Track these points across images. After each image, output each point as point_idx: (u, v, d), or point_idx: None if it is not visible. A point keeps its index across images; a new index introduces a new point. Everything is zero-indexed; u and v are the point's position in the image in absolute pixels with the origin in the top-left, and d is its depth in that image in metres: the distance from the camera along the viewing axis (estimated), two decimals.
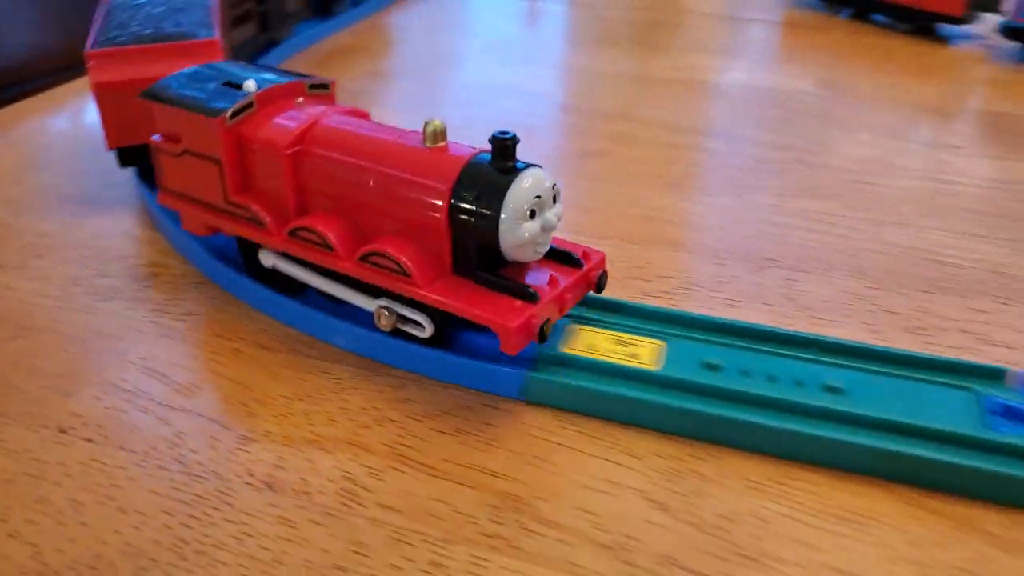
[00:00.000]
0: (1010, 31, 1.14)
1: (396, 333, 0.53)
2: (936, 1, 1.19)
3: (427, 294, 0.49)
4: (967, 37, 1.24)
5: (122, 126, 0.69)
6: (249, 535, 0.42)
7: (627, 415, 0.49)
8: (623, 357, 0.51)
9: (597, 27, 1.37)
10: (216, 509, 0.44)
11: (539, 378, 0.50)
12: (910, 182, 0.80)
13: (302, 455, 0.47)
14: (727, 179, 0.81)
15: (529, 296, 0.48)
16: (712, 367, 0.50)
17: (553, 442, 0.48)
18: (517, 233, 0.47)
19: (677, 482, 0.45)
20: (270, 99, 0.56)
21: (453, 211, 0.49)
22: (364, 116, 0.58)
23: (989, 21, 1.22)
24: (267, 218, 0.55)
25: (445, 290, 0.49)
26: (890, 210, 0.74)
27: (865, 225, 0.72)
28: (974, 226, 0.72)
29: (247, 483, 0.45)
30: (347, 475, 0.46)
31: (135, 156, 0.72)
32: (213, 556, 0.41)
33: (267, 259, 0.58)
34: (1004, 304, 0.61)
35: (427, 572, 0.40)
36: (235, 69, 0.61)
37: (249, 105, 0.55)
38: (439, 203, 0.49)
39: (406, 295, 0.50)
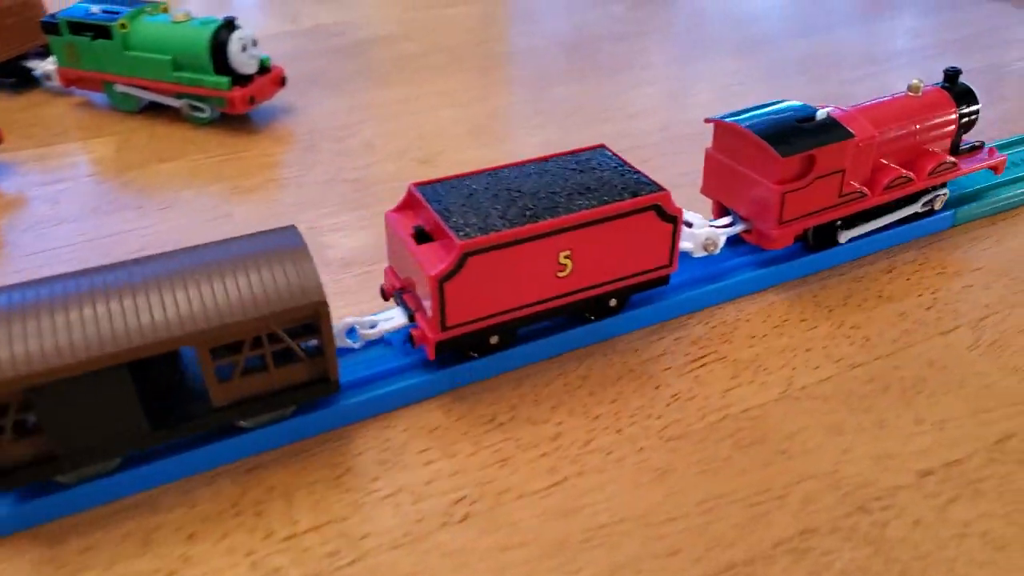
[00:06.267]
0: None
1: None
2: None
3: (930, 182, 0.85)
4: None
5: None
6: None
7: None
8: None
9: None
10: None
11: None
12: None
13: None
14: None
15: None
16: None
17: None
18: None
19: None
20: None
21: (961, 117, 0.86)
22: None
23: None
24: (867, 190, 0.81)
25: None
26: None
27: None
28: None
29: None
30: None
31: None
32: None
33: (843, 237, 0.82)
34: None
35: None
36: (773, 111, 0.79)
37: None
38: (953, 117, 0.85)
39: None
